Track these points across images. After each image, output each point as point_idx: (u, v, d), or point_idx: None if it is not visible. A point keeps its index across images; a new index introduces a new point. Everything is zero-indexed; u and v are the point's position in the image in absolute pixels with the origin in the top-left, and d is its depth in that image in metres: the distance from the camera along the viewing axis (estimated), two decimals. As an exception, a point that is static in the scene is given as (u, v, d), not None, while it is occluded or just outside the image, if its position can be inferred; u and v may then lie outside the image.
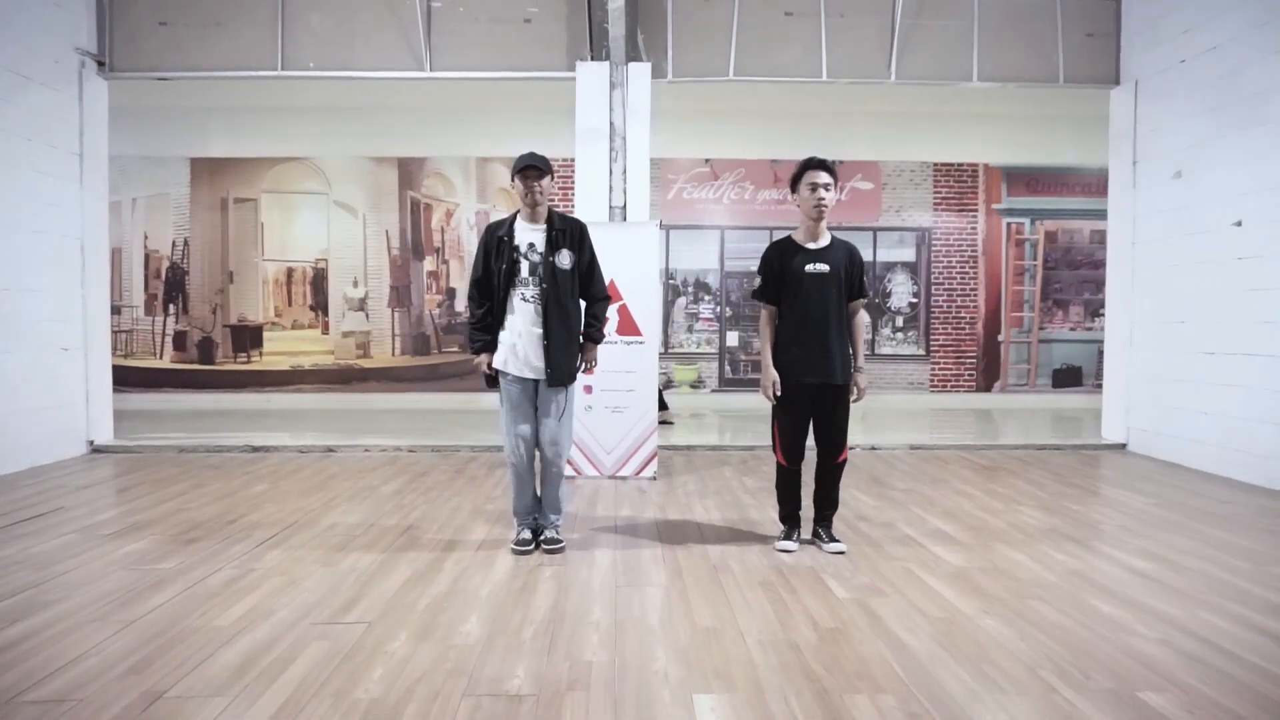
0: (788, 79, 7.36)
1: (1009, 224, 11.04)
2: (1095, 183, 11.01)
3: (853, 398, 4.10)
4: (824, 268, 4.04)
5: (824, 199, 4.00)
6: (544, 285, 3.96)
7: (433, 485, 5.70)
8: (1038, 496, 5.41)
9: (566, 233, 4.05)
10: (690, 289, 10.84)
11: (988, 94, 9.64)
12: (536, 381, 4.03)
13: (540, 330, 3.96)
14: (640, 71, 6.73)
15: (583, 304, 4.19)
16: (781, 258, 4.11)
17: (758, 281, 4.19)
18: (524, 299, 3.98)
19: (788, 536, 4.19)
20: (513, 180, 3.99)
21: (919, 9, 7.35)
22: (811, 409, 4.09)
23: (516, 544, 4.07)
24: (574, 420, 4.26)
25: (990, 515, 4.86)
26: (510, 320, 4.00)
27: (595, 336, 4.20)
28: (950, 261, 11.02)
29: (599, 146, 6.72)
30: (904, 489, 5.62)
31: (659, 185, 10.52)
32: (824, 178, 4.01)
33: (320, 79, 8.52)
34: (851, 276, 4.09)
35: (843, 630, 3.05)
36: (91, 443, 6.95)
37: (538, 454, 4.12)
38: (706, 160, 10.75)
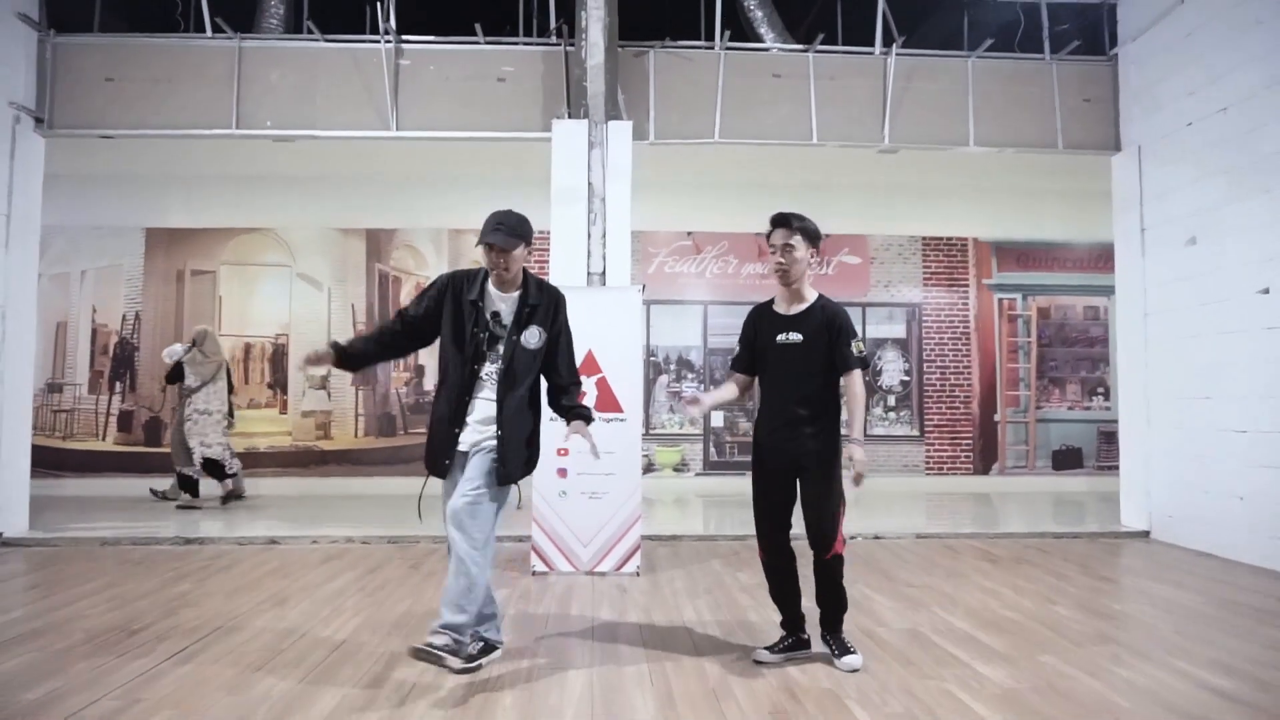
0: (776, 142, 6.99)
1: (1001, 299, 10.67)
2: (1086, 257, 10.73)
3: (849, 473, 3.44)
4: (796, 338, 3.51)
5: (781, 262, 3.50)
6: (502, 364, 3.34)
7: (383, 583, 4.97)
8: (1070, 593, 4.78)
9: (540, 309, 3.42)
10: (672, 366, 10.30)
11: (976, 167, 9.45)
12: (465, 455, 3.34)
13: (494, 416, 3.31)
14: (620, 130, 6.31)
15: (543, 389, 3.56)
16: (757, 324, 3.64)
17: (737, 348, 3.73)
18: (490, 379, 3.35)
19: (773, 645, 3.57)
20: (479, 243, 3.34)
21: (910, 73, 7.06)
22: (789, 492, 3.52)
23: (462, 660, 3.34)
24: (496, 518, 3.33)
25: (1024, 617, 4.22)
26: (473, 403, 3.34)
27: (585, 413, 3.53)
28: (942, 338, 10.59)
29: (576, 208, 6.24)
30: (919, 584, 4.97)
31: (639, 258, 10.08)
32: (778, 236, 3.52)
33: (282, 143, 8.12)
34: (832, 346, 3.49)
35: (885, 784, 2.38)
36: (0, 535, 6.16)
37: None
38: (688, 233, 10.36)
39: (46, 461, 9.75)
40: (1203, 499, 6.11)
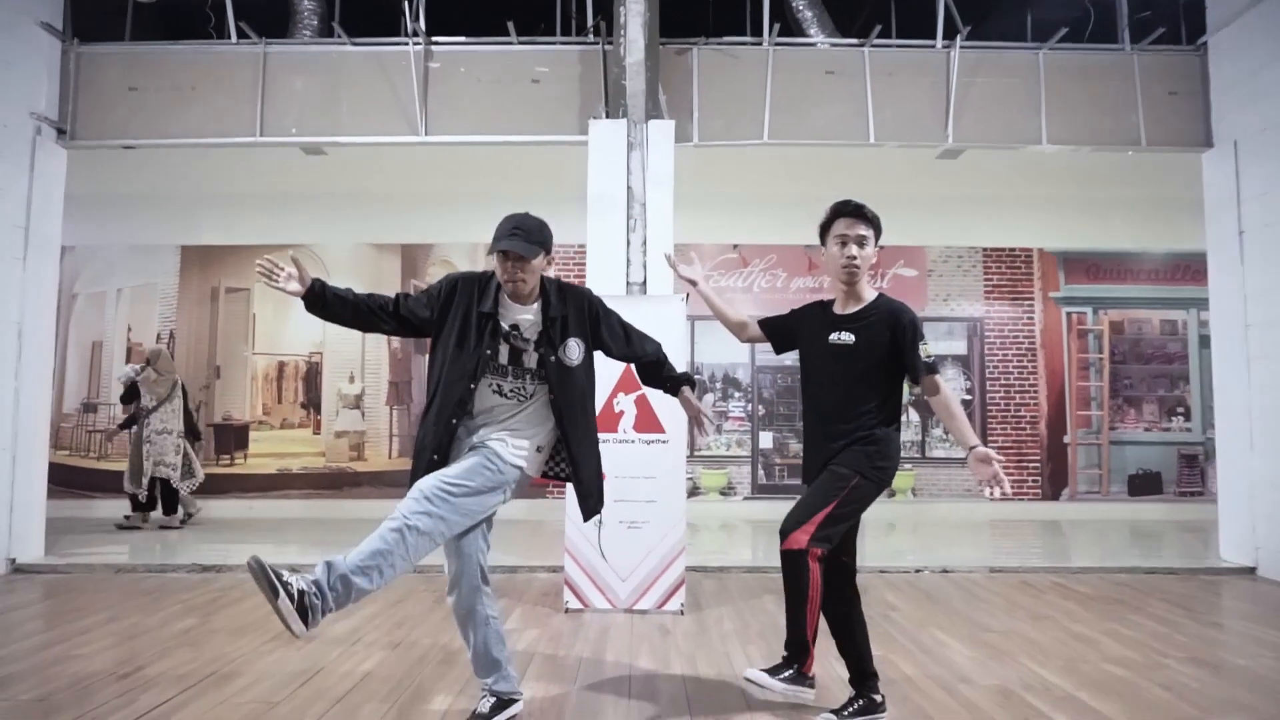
0: (830, 142, 6.49)
1: (1069, 314, 9.97)
2: (1162, 268, 10.00)
3: (986, 491, 2.84)
4: (848, 339, 3.02)
5: (855, 257, 3.01)
6: (551, 389, 2.93)
7: (404, 619, 4.54)
8: (1180, 643, 4.15)
9: (570, 318, 2.96)
10: (718, 385, 9.79)
11: (1039, 174, 8.86)
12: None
13: (540, 440, 2.96)
14: (662, 130, 5.88)
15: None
16: (809, 319, 3.22)
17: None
18: (499, 392, 2.89)
19: (840, 709, 3.04)
20: (491, 251, 2.88)
21: (975, 68, 6.52)
22: None
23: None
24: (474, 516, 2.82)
25: (1139, 676, 3.61)
26: (468, 419, 2.90)
27: (686, 378, 3.24)
28: (1006, 355, 9.92)
29: (615, 215, 5.81)
30: (1002, 630, 4.38)
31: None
32: (859, 228, 3.03)
33: (314, 155, 7.94)
34: (896, 349, 3.01)
35: None
36: (13, 561, 5.87)
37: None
38: (735, 246, 9.88)
39: (79, 483, 9.59)
40: (1319, 532, 5.42)
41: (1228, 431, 6.30)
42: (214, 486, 9.56)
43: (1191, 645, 4.11)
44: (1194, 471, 9.82)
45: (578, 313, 3.00)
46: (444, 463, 2.83)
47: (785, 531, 3.01)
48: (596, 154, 5.85)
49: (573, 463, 2.95)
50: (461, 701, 3.24)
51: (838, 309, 3.12)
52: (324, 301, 2.89)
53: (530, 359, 2.91)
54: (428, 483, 2.71)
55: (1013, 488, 9.60)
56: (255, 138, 6.37)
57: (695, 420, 3.21)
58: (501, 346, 2.90)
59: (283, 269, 2.84)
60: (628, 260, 5.74)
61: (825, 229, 3.10)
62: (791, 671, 3.09)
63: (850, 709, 3.01)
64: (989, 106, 6.50)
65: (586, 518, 3.01)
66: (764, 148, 6.74)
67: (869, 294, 3.10)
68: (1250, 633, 4.50)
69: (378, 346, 9.81)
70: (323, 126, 6.45)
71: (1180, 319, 9.98)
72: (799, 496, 3.10)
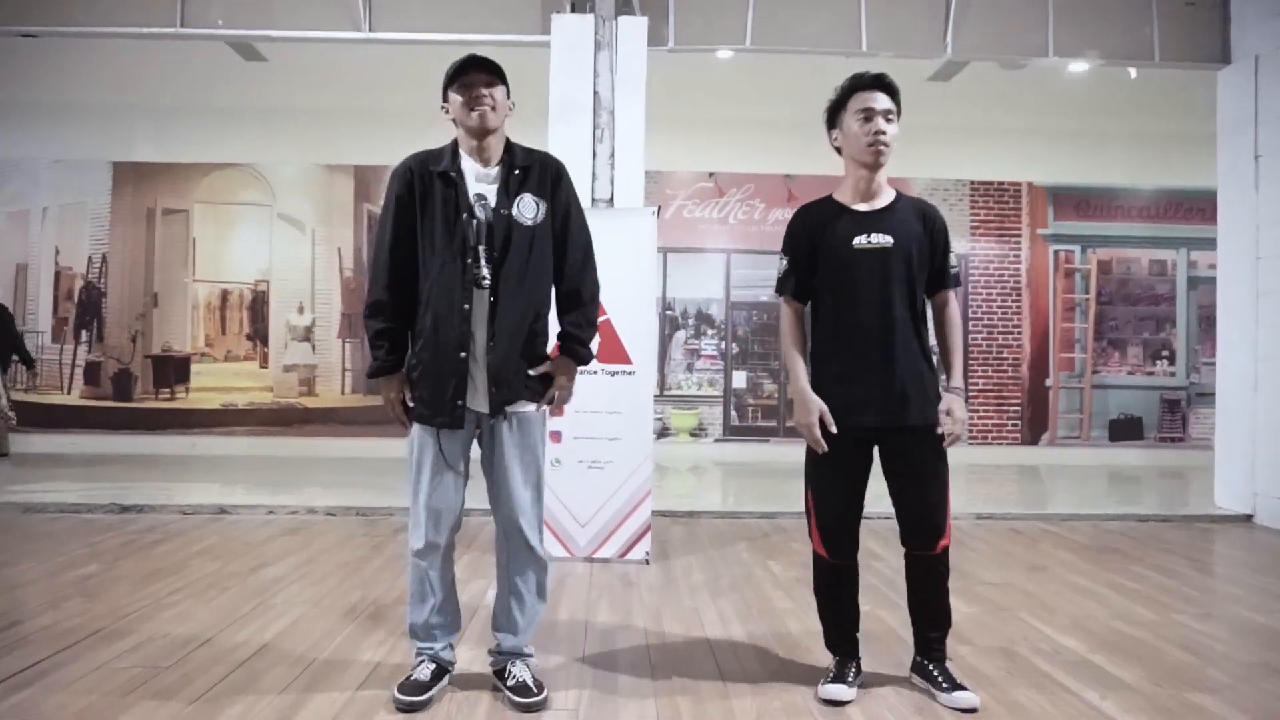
0: (819, 50, 5.89)
1: (1057, 252, 9.57)
2: (1155, 205, 9.59)
3: (945, 437, 2.49)
4: (885, 240, 2.48)
5: (884, 133, 2.45)
6: (494, 251, 2.38)
7: (334, 568, 4.06)
8: (1190, 596, 3.79)
9: (532, 171, 2.46)
10: (691, 321, 9.29)
11: (1032, 105, 8.37)
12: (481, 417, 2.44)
13: (485, 323, 2.38)
14: (633, 28, 5.25)
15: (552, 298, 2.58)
16: (815, 229, 2.56)
17: (781, 264, 2.63)
18: (477, 283, 2.36)
19: (838, 677, 2.55)
20: (445, 97, 2.44)
21: (979, -31, 5.93)
22: (865, 466, 2.54)
23: (402, 690, 2.42)
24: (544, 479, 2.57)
25: (1147, 632, 3.23)
26: (464, 321, 2.39)
27: (579, 351, 2.55)
28: (990, 294, 9.53)
29: (580, 124, 5.21)
30: (996, 583, 3.99)
31: (655, 201, 9.01)
32: (883, 101, 2.48)
33: (255, 63, 7.24)
34: (931, 252, 2.55)
35: None
36: (-92, 498, 5.30)
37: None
38: (710, 174, 9.29)
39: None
40: (1325, 479, 5.10)
41: (1230, 372, 5.93)
42: (152, 421, 9.00)
43: (1203, 600, 3.75)
44: (1176, 417, 9.57)
45: (541, 169, 2.49)
46: (464, 388, 2.38)
47: (930, 532, 2.52)
48: (560, 53, 5.23)
49: (492, 337, 2.37)
50: (395, 656, 2.78)
51: (858, 205, 2.55)
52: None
53: (491, 230, 2.40)
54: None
55: (992, 432, 9.40)
56: (176, 28, 5.64)
57: (555, 389, 2.54)
58: (469, 221, 2.37)
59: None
60: (593, 174, 5.17)
61: (839, 107, 2.55)
62: (857, 668, 2.64)
63: (853, 674, 2.60)
64: (992, 15, 5.93)
65: (493, 412, 2.42)
66: (743, 68, 6.15)
67: (889, 190, 2.58)
68: (1260, 585, 4.15)
69: (329, 276, 9.20)
70: (253, 19, 5.73)
71: (1170, 259, 9.62)
72: (845, 476, 2.55)
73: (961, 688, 2.48)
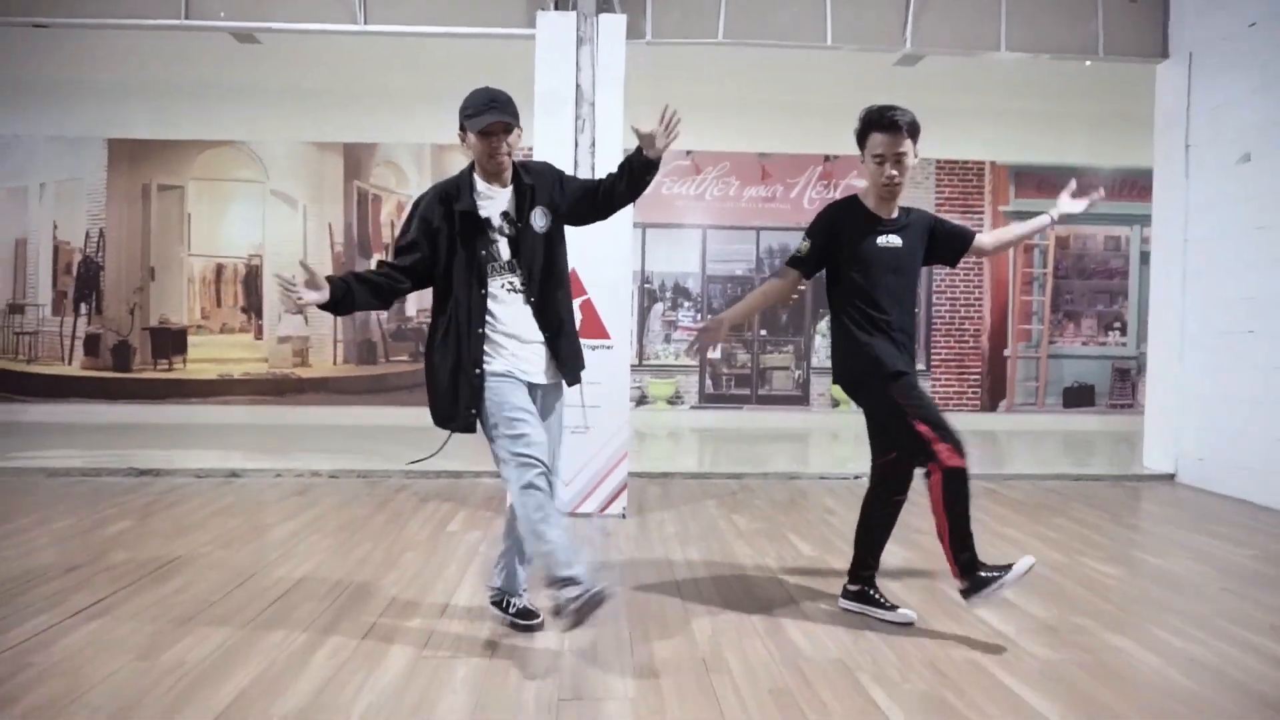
0: (787, 44, 6.29)
1: (1017, 228, 10.04)
2: (1111, 184, 10.04)
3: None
4: (897, 242, 3.02)
5: (895, 177, 2.93)
6: (523, 261, 2.82)
7: (344, 524, 4.52)
8: (1101, 544, 4.33)
9: (538, 188, 2.86)
10: (668, 294, 9.73)
11: (996, 86, 8.77)
12: (537, 388, 2.88)
13: (536, 322, 2.84)
14: (613, 25, 5.63)
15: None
16: (844, 222, 3.06)
17: (803, 246, 3.08)
18: (511, 288, 2.81)
19: (987, 580, 2.85)
20: (462, 131, 2.78)
21: (937, -33, 6.33)
22: None
23: (521, 615, 2.99)
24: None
25: (1057, 574, 3.77)
26: (494, 323, 2.81)
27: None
28: (954, 268, 10.00)
29: (563, 114, 5.60)
30: (930, 531, 4.49)
31: (635, 178, 9.41)
32: (884, 144, 2.92)
33: (249, 45, 7.52)
34: (940, 240, 3.18)
35: (914, 795, 1.93)
36: (-63, 464, 5.70)
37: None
38: (687, 152, 9.66)
39: (10, 386, 9.29)
40: (1237, 441, 5.64)
41: (1160, 344, 6.47)
42: (151, 391, 9.36)
43: (1113, 549, 4.29)
44: (1126, 385, 10.14)
45: (543, 179, 2.91)
46: (480, 374, 2.77)
47: (961, 454, 2.95)
48: (544, 48, 5.60)
49: (548, 330, 2.83)
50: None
51: (881, 212, 3.05)
52: (352, 299, 2.75)
53: (519, 243, 2.84)
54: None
55: (953, 399, 9.93)
56: (180, 20, 5.95)
57: (661, 130, 2.74)
58: (497, 241, 2.81)
59: (295, 285, 2.64)
60: (575, 162, 5.57)
61: (862, 137, 3.00)
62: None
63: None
64: (949, 10, 6.34)
65: (571, 383, 2.93)
66: (719, 51, 6.53)
67: (899, 205, 3.09)
68: (1166, 534, 4.71)
69: (320, 250, 9.53)
70: (254, 10, 6.04)
71: (1124, 235, 10.13)
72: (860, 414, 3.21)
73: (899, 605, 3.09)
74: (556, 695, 2.41)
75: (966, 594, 2.89)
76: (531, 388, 2.85)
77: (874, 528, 3.22)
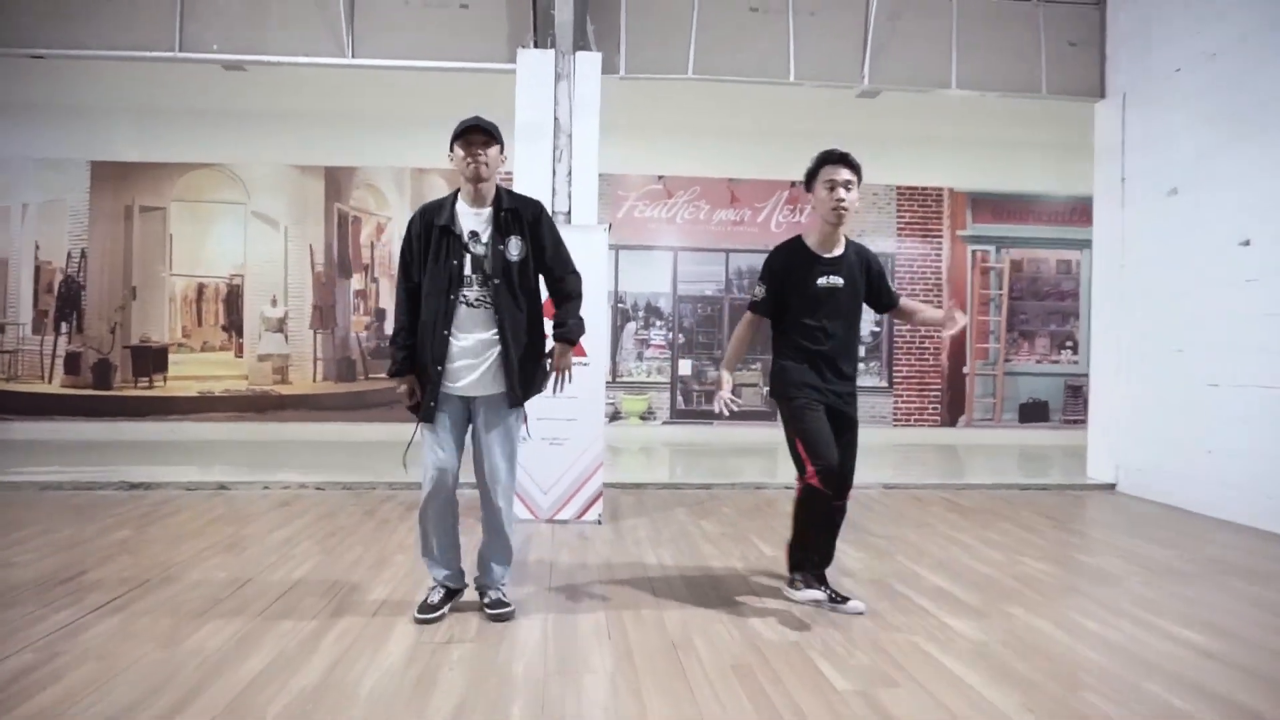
0: (752, 80, 6.72)
1: (974, 251, 10.54)
2: (1063, 210, 10.61)
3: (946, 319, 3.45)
4: (838, 281, 3.38)
5: (844, 200, 3.31)
6: (495, 282, 3.15)
7: (334, 530, 4.78)
8: (1038, 545, 4.71)
9: (516, 214, 3.23)
10: (640, 313, 10.08)
11: (955, 116, 9.24)
12: (470, 400, 3.21)
13: (496, 337, 3.16)
14: (589, 62, 6.00)
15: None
16: (791, 265, 3.42)
17: (758, 291, 3.48)
18: (467, 303, 3.15)
19: (808, 583, 3.49)
20: (451, 149, 3.19)
21: (895, 9, 6.78)
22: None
23: (422, 610, 3.21)
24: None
25: (994, 569, 4.13)
26: (454, 335, 3.15)
27: (572, 334, 3.31)
28: (914, 289, 10.45)
29: (541, 145, 5.95)
30: (886, 535, 4.87)
31: (608, 202, 9.78)
32: (844, 174, 3.33)
33: (234, 72, 7.74)
34: (872, 286, 3.52)
35: (851, 744, 2.26)
36: (-68, 478, 5.86)
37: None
38: (659, 177, 10.06)
39: (-9, 404, 9.40)
40: (1171, 452, 6.08)
41: (1100, 362, 6.92)
42: (132, 408, 9.50)
43: (1047, 548, 4.67)
44: (1078, 401, 10.61)
45: (523, 210, 3.26)
46: (440, 363, 3.13)
47: (847, 489, 3.46)
48: (525, 83, 5.95)
49: (505, 348, 3.15)
50: (399, 593, 3.54)
51: (821, 251, 3.41)
52: (412, 354, 3.25)
53: (484, 262, 3.17)
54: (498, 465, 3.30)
55: (914, 414, 10.34)
56: (175, 53, 6.24)
57: (555, 372, 3.33)
58: (465, 256, 3.15)
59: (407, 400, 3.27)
60: (553, 190, 5.92)
61: (812, 175, 3.38)
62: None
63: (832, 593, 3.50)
64: (903, 51, 6.79)
65: (512, 405, 3.20)
66: (689, 82, 6.91)
67: (843, 239, 3.44)
68: (1101, 538, 5.11)
69: (301, 270, 9.76)
70: (247, 44, 6.34)
71: (1075, 258, 10.65)
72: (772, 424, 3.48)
73: (850, 596, 3.45)
74: (543, 670, 2.72)
75: (787, 584, 3.57)
76: (469, 400, 3.19)
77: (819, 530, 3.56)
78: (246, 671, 2.66)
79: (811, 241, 3.43)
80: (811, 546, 3.50)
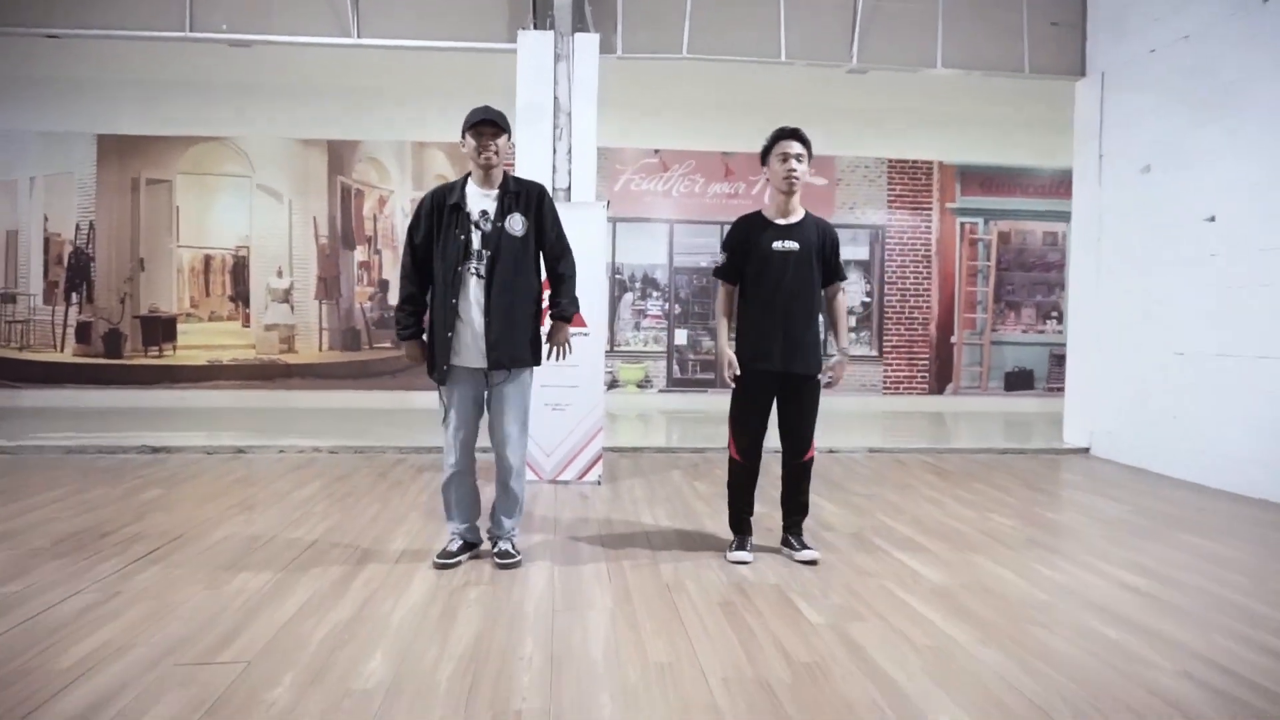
0: (744, 59, 6.94)
1: (963, 223, 10.82)
2: (1049, 183, 10.87)
3: (823, 378, 3.74)
4: (793, 245, 3.65)
5: (795, 170, 3.60)
6: (501, 255, 3.46)
7: (351, 490, 5.10)
8: (1008, 503, 5.05)
9: (521, 196, 3.56)
10: (637, 284, 10.36)
11: (944, 92, 9.45)
12: (482, 370, 3.52)
13: (502, 305, 3.45)
14: (587, 43, 6.22)
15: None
16: (747, 233, 3.72)
17: (720, 258, 3.79)
18: (477, 275, 3.46)
19: (740, 546, 3.78)
20: (463, 138, 3.50)
21: (881, -11, 6.99)
22: (771, 400, 3.73)
23: (441, 556, 3.54)
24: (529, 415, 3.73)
25: (963, 524, 4.47)
26: (461, 304, 3.46)
27: (566, 311, 3.64)
28: (904, 260, 10.75)
29: (542, 124, 6.20)
30: (867, 494, 5.22)
31: (606, 176, 10.02)
32: (795, 147, 3.61)
33: (239, 48, 7.90)
34: (825, 256, 3.74)
35: (821, 665, 2.59)
36: (-38, 442, 6.17)
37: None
38: (656, 151, 10.29)
39: (3, 373, 9.68)
40: (1140, 417, 6.41)
41: (1078, 331, 7.23)
42: (142, 377, 9.79)
43: (1017, 506, 5.01)
44: (1062, 369, 10.92)
45: (527, 194, 3.58)
46: (450, 329, 3.44)
47: (805, 446, 3.78)
48: (525, 64, 6.18)
49: (487, 315, 3.43)
50: (417, 544, 3.87)
51: (778, 220, 3.69)
52: (420, 321, 3.63)
53: (490, 239, 3.47)
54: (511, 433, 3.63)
55: (903, 383, 10.66)
56: (184, 32, 6.44)
57: (552, 346, 3.67)
58: (474, 232, 3.45)
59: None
60: (553, 167, 6.17)
61: (767, 151, 3.67)
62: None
63: (751, 545, 3.81)
64: (890, 31, 7.02)
65: (492, 366, 3.48)
66: (685, 60, 7.13)
67: (800, 209, 3.71)
68: (1068, 497, 5.45)
69: (305, 242, 10.00)
70: (254, 23, 6.54)
71: (1060, 230, 10.91)
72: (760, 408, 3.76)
73: (808, 547, 3.67)
74: (551, 608, 3.05)
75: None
76: (473, 370, 3.50)
77: (782, 490, 3.91)
78: (289, 608, 2.99)
79: (769, 213, 3.72)
80: (735, 508, 3.85)
